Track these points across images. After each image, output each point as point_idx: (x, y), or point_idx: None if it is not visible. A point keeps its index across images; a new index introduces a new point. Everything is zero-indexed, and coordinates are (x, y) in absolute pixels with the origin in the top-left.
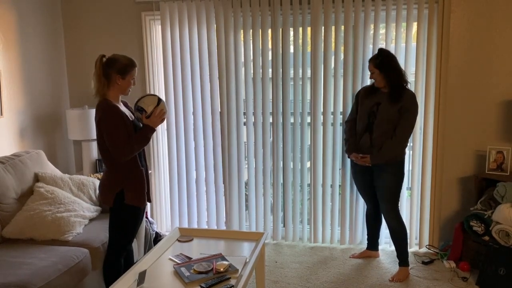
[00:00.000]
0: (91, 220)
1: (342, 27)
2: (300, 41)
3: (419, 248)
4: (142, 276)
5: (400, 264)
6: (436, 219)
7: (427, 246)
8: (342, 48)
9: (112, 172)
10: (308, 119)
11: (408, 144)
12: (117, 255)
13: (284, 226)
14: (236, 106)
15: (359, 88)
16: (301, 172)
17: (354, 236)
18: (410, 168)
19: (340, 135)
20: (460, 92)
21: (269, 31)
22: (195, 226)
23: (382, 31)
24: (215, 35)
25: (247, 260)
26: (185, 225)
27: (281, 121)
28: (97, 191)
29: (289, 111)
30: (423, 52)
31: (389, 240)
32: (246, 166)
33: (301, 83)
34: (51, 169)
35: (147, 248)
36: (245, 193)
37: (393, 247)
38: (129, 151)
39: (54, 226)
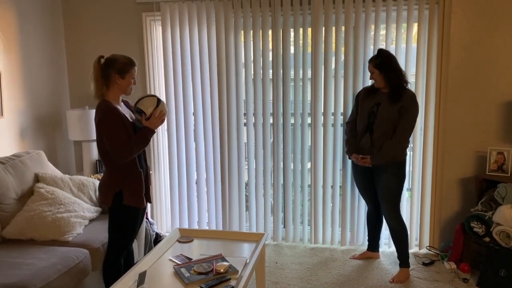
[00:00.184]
0: (91, 220)
1: (343, 28)
2: (301, 41)
3: (419, 249)
4: (142, 277)
5: (401, 265)
6: (437, 220)
7: (428, 247)
8: (343, 48)
9: (111, 172)
10: (309, 120)
11: (409, 145)
12: (117, 255)
13: (284, 227)
14: (236, 107)
15: (359, 89)
16: (302, 173)
17: (355, 237)
18: (411, 169)
19: (341, 136)
20: (460, 92)
21: (270, 31)
22: (195, 227)
23: (382, 32)
24: (215, 35)
25: (247, 261)
26: (185, 226)
27: (282, 121)
28: (97, 192)
29: (289, 112)
30: (424, 53)
31: (388, 241)
32: (246, 166)
33: (301, 83)
34: (51, 170)
35: (147, 249)
36: (245, 194)
37: (392, 248)
38: (129, 152)
39: (54, 227)
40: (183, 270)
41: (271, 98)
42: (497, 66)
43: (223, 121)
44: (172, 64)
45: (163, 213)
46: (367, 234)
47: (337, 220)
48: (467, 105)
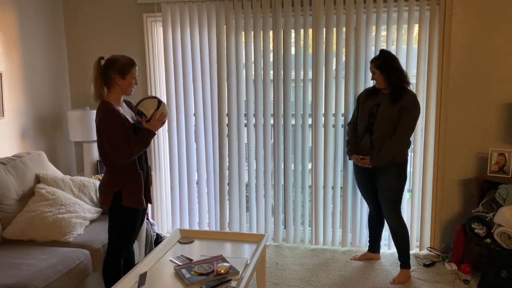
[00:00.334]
0: (92, 221)
1: (344, 29)
2: (302, 42)
3: (420, 250)
4: (142, 278)
5: (402, 267)
6: (438, 221)
7: (429, 249)
8: (344, 49)
9: (111, 173)
10: (310, 121)
11: (411, 146)
12: (117, 255)
13: (285, 228)
14: (237, 108)
15: (360, 89)
16: (302, 174)
17: (356, 238)
18: (411, 170)
19: (341, 137)
20: (461, 94)
21: (271, 32)
22: (196, 227)
23: (383, 33)
24: (216, 36)
25: (248, 262)
26: (186, 227)
27: (282, 122)
28: (98, 192)
29: (290, 113)
30: (425, 54)
31: (388, 242)
32: (247, 167)
33: (302, 84)
34: (52, 170)
35: (148, 250)
36: (246, 195)
37: (392, 249)
38: (129, 154)
39: (55, 227)
40: (183, 271)
41: (271, 99)
42: (498, 67)
43: (223, 122)
44: (173, 65)
45: (164, 214)
46: (368, 235)
47: (338, 221)
48: (468, 106)
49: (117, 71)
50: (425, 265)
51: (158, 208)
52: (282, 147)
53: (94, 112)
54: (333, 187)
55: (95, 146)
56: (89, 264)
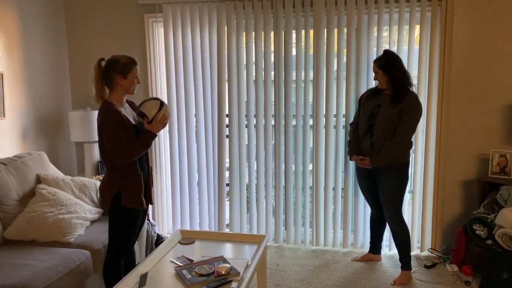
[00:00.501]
0: (92, 222)
1: (345, 30)
2: (303, 43)
3: (421, 252)
4: (143, 279)
5: (402, 268)
6: (439, 223)
7: (430, 250)
8: (345, 50)
9: (111, 173)
10: (311, 122)
11: (412, 147)
12: (117, 255)
13: (285, 228)
14: (238, 109)
15: (361, 90)
16: (303, 175)
17: (358, 239)
18: (412, 171)
19: (342, 138)
20: (462, 95)
21: (272, 33)
22: (196, 228)
23: (385, 33)
24: (217, 37)
25: (249, 262)
26: (187, 227)
27: (283, 123)
28: (98, 193)
29: (291, 114)
30: (426, 55)
31: (389, 243)
32: (247, 168)
33: (303, 85)
34: (53, 171)
35: (149, 251)
36: (247, 195)
37: (392, 251)
38: (129, 155)
39: (56, 228)
40: (184, 272)
41: (272, 99)
42: (500, 68)
43: (224, 123)
44: (174, 65)
45: (165, 215)
46: (369, 236)
47: (339, 222)
48: (469, 107)
49: (119, 71)
50: (426, 267)
51: (159, 209)
52: (283, 148)
53: (95, 112)
54: (334, 188)
55: (96, 146)
56: (90, 264)
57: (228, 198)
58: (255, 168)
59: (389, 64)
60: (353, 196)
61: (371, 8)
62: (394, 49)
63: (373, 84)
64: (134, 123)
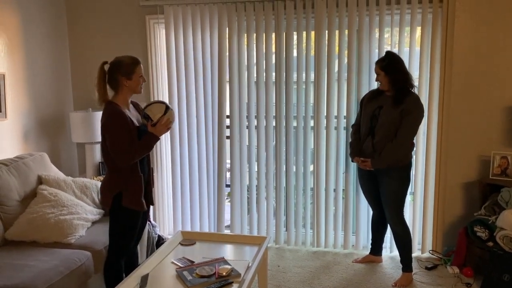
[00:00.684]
0: (93, 223)
1: (346, 31)
2: (304, 45)
3: (422, 253)
4: (144, 280)
5: (403, 270)
6: (440, 224)
7: (431, 251)
8: (346, 52)
9: (112, 174)
10: (312, 123)
11: (414, 148)
12: (117, 256)
13: (286, 230)
14: (239, 110)
15: (362, 92)
16: (304, 176)
17: (360, 241)
18: (413, 173)
19: (344, 139)
20: (464, 97)
21: (273, 35)
22: (197, 229)
23: (386, 35)
24: (218, 38)
25: (250, 264)
26: (188, 229)
27: (284, 124)
28: (99, 194)
29: (292, 115)
30: (427, 57)
31: (390, 245)
32: (248, 169)
33: (304, 86)
34: (54, 172)
35: (150, 252)
36: (247, 197)
37: (393, 252)
38: (131, 157)
39: (57, 229)
40: (185, 273)
41: (274, 101)
42: (501, 70)
43: (225, 124)
44: (176, 67)
45: (166, 216)
46: (370, 237)
47: (340, 224)
48: (471, 109)
49: (123, 73)
50: (427, 268)
51: (160, 210)
52: (284, 149)
53: (96, 113)
54: (335, 189)
55: (97, 147)
56: (91, 265)
57: (229, 199)
58: (256, 169)
59: (391, 65)
60: (354, 197)
61: (372, 10)
62: (395, 50)
63: (374, 85)
64: (138, 124)
